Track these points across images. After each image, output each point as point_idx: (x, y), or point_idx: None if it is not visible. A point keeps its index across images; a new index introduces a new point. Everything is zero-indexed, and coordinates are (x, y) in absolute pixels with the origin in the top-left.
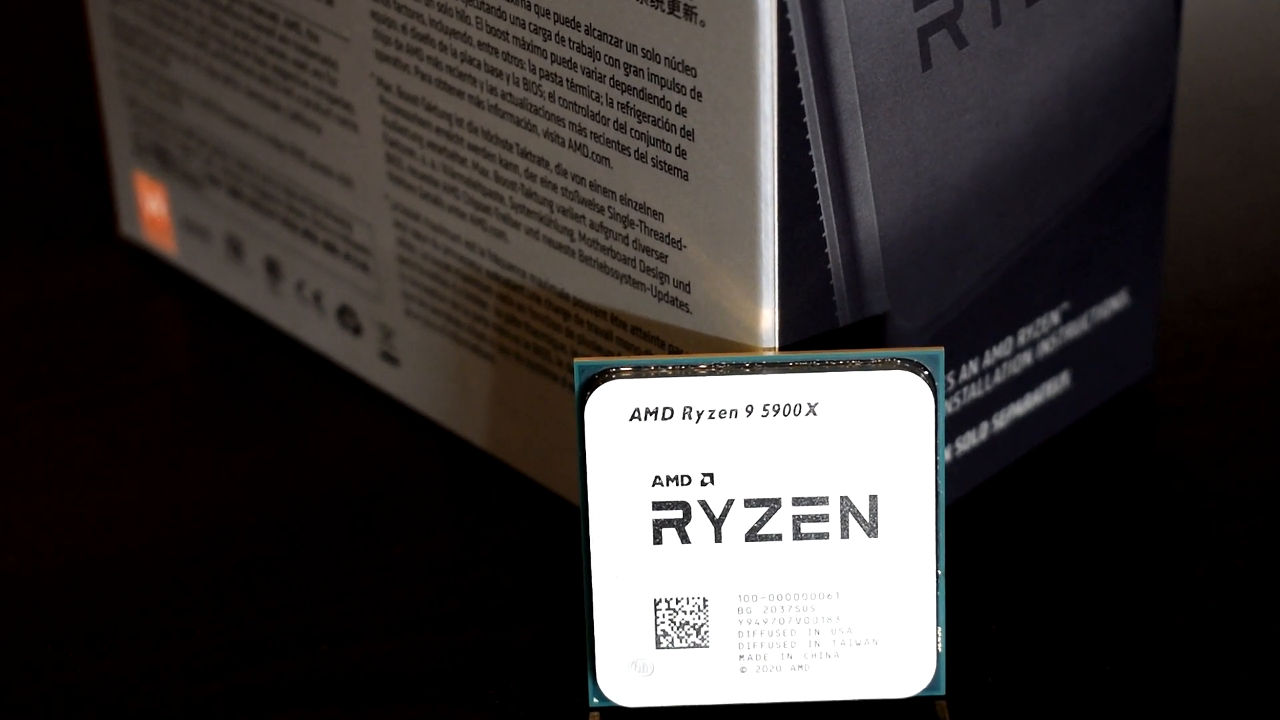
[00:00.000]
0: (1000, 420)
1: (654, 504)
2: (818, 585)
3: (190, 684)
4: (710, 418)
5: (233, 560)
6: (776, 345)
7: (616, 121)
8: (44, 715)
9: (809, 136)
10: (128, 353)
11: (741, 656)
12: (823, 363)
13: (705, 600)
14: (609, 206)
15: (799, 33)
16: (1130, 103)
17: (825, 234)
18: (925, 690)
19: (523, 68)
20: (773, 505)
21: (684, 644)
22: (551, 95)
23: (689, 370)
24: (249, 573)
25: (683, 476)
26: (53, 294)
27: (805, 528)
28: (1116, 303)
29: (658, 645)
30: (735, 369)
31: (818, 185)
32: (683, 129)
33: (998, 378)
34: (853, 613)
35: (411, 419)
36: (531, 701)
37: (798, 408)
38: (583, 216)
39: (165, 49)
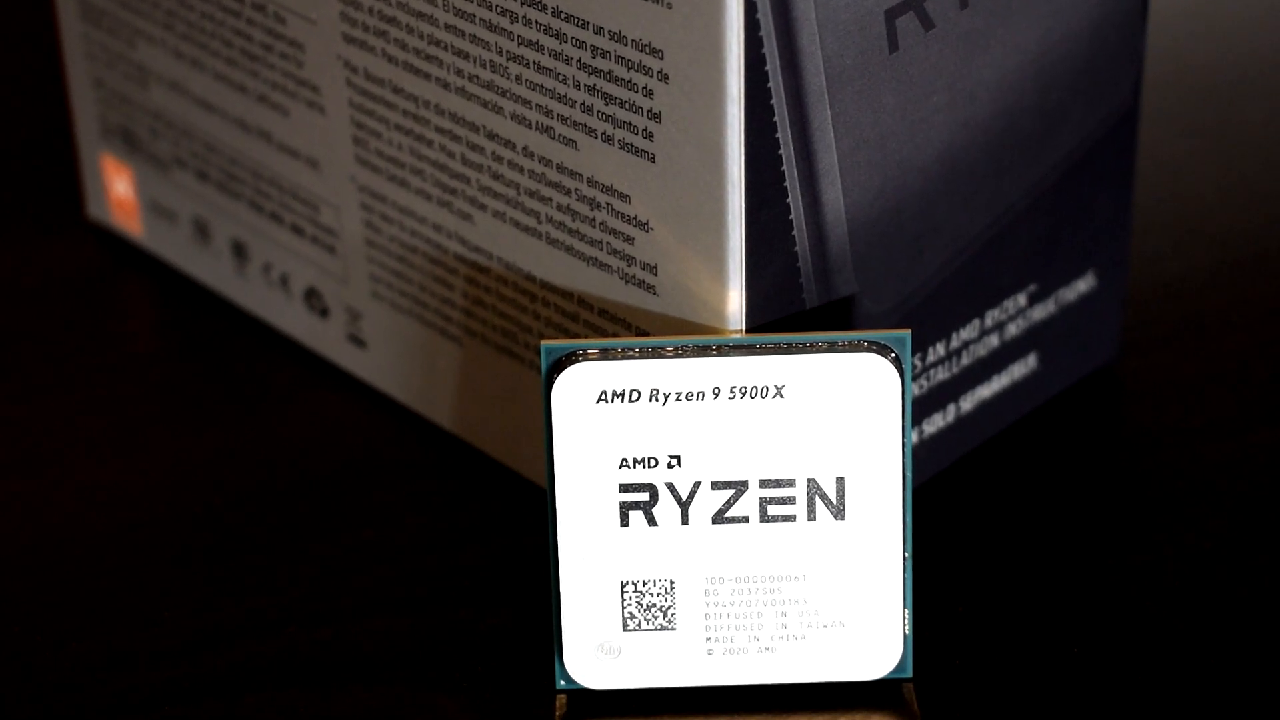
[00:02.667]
0: (967, 402)
1: (621, 486)
2: (785, 567)
3: (158, 667)
4: (677, 400)
5: (200, 543)
6: (743, 327)
7: (583, 104)
8: (10, 699)
9: (776, 119)
10: (94, 335)
11: (708, 639)
12: (790, 345)
13: (672, 582)
14: (576, 189)
15: (766, 14)
16: (1097, 85)
17: (792, 216)
18: (892, 672)
19: (489, 50)
20: (740, 487)
21: (651, 626)
22: (518, 77)
23: (656, 352)
24: (217, 555)
25: (649, 459)
26: (19, 276)
27: (772, 510)
28: (1084, 285)
29: (625, 628)
30: (702, 351)
31: (785, 168)
32: (650, 111)
33: (965, 360)
34: (820, 595)
35: (379, 401)
36: (499, 684)
37: (765, 390)
38: (550, 199)
39: (132, 31)
